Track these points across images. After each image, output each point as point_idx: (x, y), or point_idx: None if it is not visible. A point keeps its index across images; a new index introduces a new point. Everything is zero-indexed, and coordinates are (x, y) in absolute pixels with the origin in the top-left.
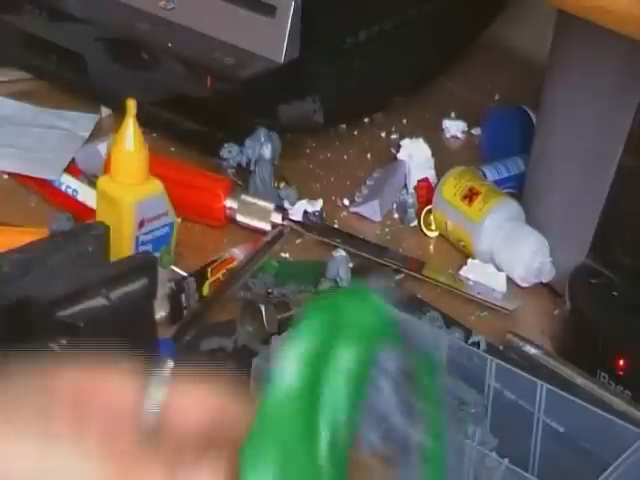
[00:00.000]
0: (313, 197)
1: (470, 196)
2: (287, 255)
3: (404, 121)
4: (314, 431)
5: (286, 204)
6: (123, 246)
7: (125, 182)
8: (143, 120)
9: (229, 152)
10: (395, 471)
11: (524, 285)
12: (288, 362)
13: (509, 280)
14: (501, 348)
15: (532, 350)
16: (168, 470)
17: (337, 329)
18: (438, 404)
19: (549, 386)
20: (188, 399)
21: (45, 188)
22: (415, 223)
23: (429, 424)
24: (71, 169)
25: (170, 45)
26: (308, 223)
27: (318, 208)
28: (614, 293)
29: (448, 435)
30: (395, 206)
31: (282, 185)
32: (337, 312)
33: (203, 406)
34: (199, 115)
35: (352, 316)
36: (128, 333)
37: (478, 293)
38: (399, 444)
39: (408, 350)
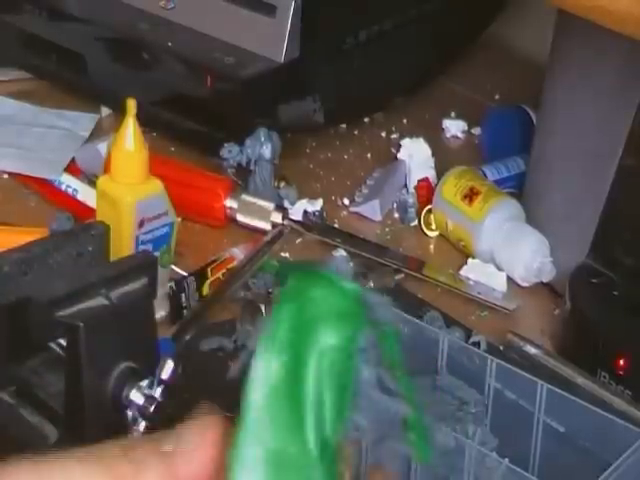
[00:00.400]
0: (313, 197)
1: (470, 196)
2: (287, 255)
3: (404, 121)
4: (301, 421)
5: (286, 204)
6: (123, 246)
7: (125, 182)
8: (143, 120)
9: (229, 152)
10: (384, 445)
11: (524, 285)
12: (266, 356)
13: (509, 280)
14: (501, 348)
15: (532, 350)
16: None
17: (307, 316)
18: (405, 374)
19: (549, 386)
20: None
21: (45, 188)
22: (415, 223)
23: (404, 394)
24: (71, 169)
25: (170, 45)
26: (308, 223)
27: (318, 208)
28: (614, 293)
29: (421, 401)
30: (395, 206)
31: (282, 185)
32: (305, 300)
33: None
34: (199, 115)
35: (320, 301)
36: (128, 333)
37: (478, 293)
38: (383, 419)
39: (374, 325)
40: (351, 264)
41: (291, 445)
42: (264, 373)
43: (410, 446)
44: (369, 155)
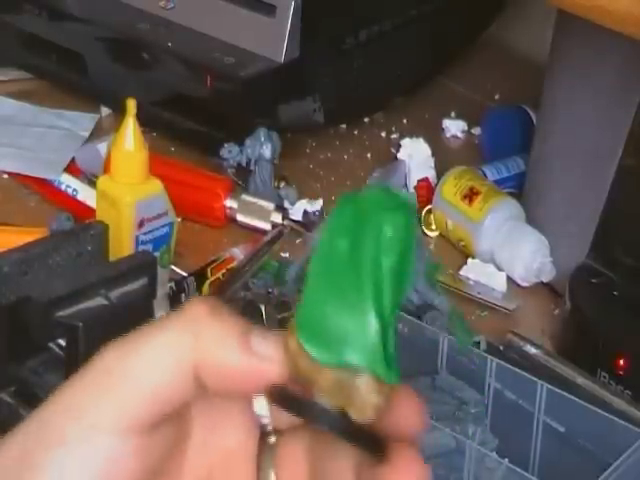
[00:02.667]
0: (313, 197)
1: (470, 196)
2: (287, 255)
3: (404, 121)
4: (362, 287)
5: (286, 204)
6: (123, 246)
7: (125, 182)
8: (143, 120)
9: (229, 152)
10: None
11: (524, 285)
12: (326, 239)
13: (509, 280)
14: (501, 348)
15: (532, 350)
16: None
17: (363, 208)
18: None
19: (549, 386)
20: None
21: (45, 188)
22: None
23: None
24: (71, 169)
25: (170, 45)
26: (308, 223)
27: (318, 208)
28: (614, 293)
29: None
30: None
31: (282, 185)
32: (359, 198)
33: None
34: (199, 115)
35: (373, 199)
36: (127, 333)
37: (478, 293)
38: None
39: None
40: None
41: (350, 312)
42: (326, 251)
43: (454, 332)
44: (369, 155)
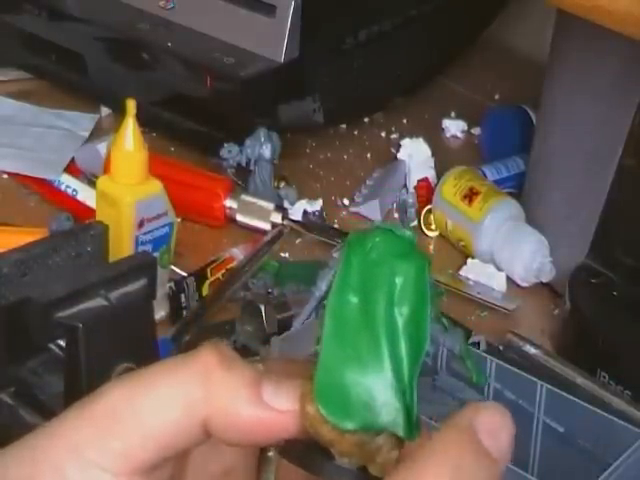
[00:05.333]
0: (313, 197)
1: (470, 196)
2: (287, 255)
3: (404, 121)
4: (378, 346)
5: (286, 204)
6: (123, 246)
7: (125, 182)
8: (143, 120)
9: (229, 152)
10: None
11: (524, 285)
12: (338, 297)
13: (509, 280)
14: (501, 348)
15: (532, 350)
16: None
17: (372, 259)
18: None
19: (549, 386)
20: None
21: (45, 188)
22: (415, 223)
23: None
24: (71, 169)
25: (170, 45)
26: (308, 223)
27: (318, 208)
28: (614, 293)
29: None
30: (395, 206)
31: (282, 185)
32: (368, 245)
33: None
34: (199, 115)
35: (381, 245)
36: (128, 334)
37: (478, 293)
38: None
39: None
40: None
41: (369, 374)
42: (338, 312)
43: (468, 371)
44: (369, 155)
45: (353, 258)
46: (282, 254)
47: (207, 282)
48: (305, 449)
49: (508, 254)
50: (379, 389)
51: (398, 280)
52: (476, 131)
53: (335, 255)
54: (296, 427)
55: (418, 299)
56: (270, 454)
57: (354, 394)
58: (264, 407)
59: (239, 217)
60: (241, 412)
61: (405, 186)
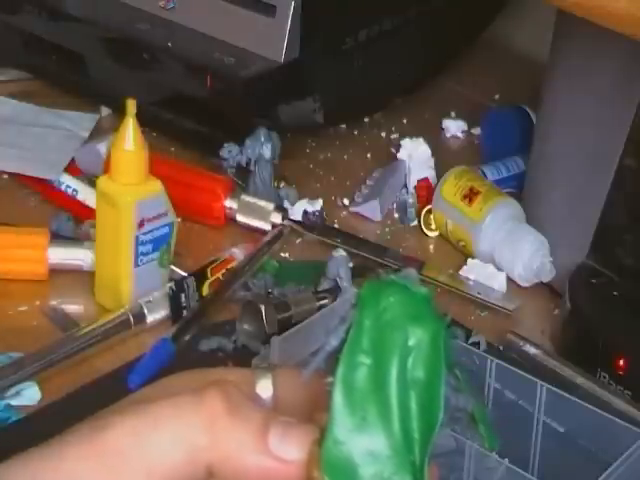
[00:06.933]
0: (313, 197)
1: (470, 196)
2: (287, 255)
3: (404, 121)
4: (388, 421)
5: (286, 204)
6: (123, 246)
7: (125, 182)
8: (143, 120)
9: (229, 152)
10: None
11: (524, 285)
12: (349, 362)
13: (509, 280)
14: (501, 348)
15: (532, 350)
16: (260, 430)
17: (386, 321)
18: (461, 372)
19: (549, 386)
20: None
21: (45, 188)
22: (415, 223)
23: (461, 389)
24: (71, 169)
25: (170, 45)
26: (308, 223)
27: (318, 208)
28: (614, 293)
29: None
30: (395, 206)
31: (282, 185)
32: (381, 306)
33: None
34: (199, 115)
35: (396, 306)
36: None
37: (478, 293)
38: (453, 414)
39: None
40: (351, 264)
41: (378, 442)
42: (349, 377)
43: (479, 436)
44: (369, 155)
45: (366, 320)
46: (282, 254)
47: (207, 282)
48: None
49: (508, 254)
50: (388, 461)
51: (412, 345)
52: (476, 131)
53: (336, 254)
54: (301, 477)
55: (432, 366)
56: None
57: (362, 468)
58: (270, 456)
59: (239, 217)
60: (247, 461)
61: (405, 186)
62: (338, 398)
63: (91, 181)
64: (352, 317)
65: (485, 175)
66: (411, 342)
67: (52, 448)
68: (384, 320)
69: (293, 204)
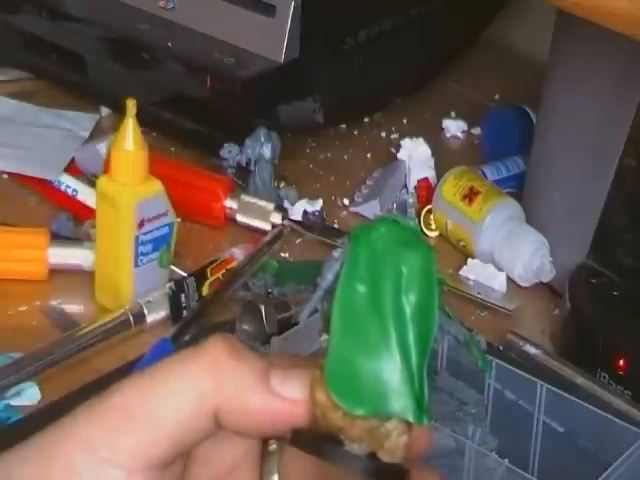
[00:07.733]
0: (313, 197)
1: (470, 196)
2: (287, 255)
3: (404, 121)
4: (387, 333)
5: (286, 204)
6: (123, 246)
7: (125, 182)
8: (143, 120)
9: (229, 152)
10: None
11: (524, 285)
12: (345, 287)
13: (509, 280)
14: (501, 348)
15: (532, 350)
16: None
17: (378, 249)
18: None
19: (549, 386)
20: None
21: (45, 188)
22: (415, 223)
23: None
24: (71, 169)
25: (170, 45)
26: (308, 223)
27: (318, 208)
28: (614, 293)
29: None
30: (395, 206)
31: (282, 185)
32: (373, 236)
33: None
34: (199, 115)
35: (386, 235)
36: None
37: (478, 293)
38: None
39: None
40: None
41: (378, 361)
42: (346, 301)
43: (473, 357)
44: (369, 155)
45: (359, 249)
46: (282, 254)
47: (207, 282)
48: (314, 437)
49: (508, 254)
50: (389, 375)
51: (405, 268)
52: (476, 131)
53: (336, 254)
54: (305, 416)
55: (425, 287)
56: (272, 447)
57: (365, 381)
58: (273, 396)
59: (239, 217)
60: (251, 401)
61: (405, 186)
62: (338, 320)
63: (91, 181)
64: (346, 253)
65: (485, 175)
66: (404, 266)
67: (63, 420)
68: (376, 248)
69: (293, 204)
